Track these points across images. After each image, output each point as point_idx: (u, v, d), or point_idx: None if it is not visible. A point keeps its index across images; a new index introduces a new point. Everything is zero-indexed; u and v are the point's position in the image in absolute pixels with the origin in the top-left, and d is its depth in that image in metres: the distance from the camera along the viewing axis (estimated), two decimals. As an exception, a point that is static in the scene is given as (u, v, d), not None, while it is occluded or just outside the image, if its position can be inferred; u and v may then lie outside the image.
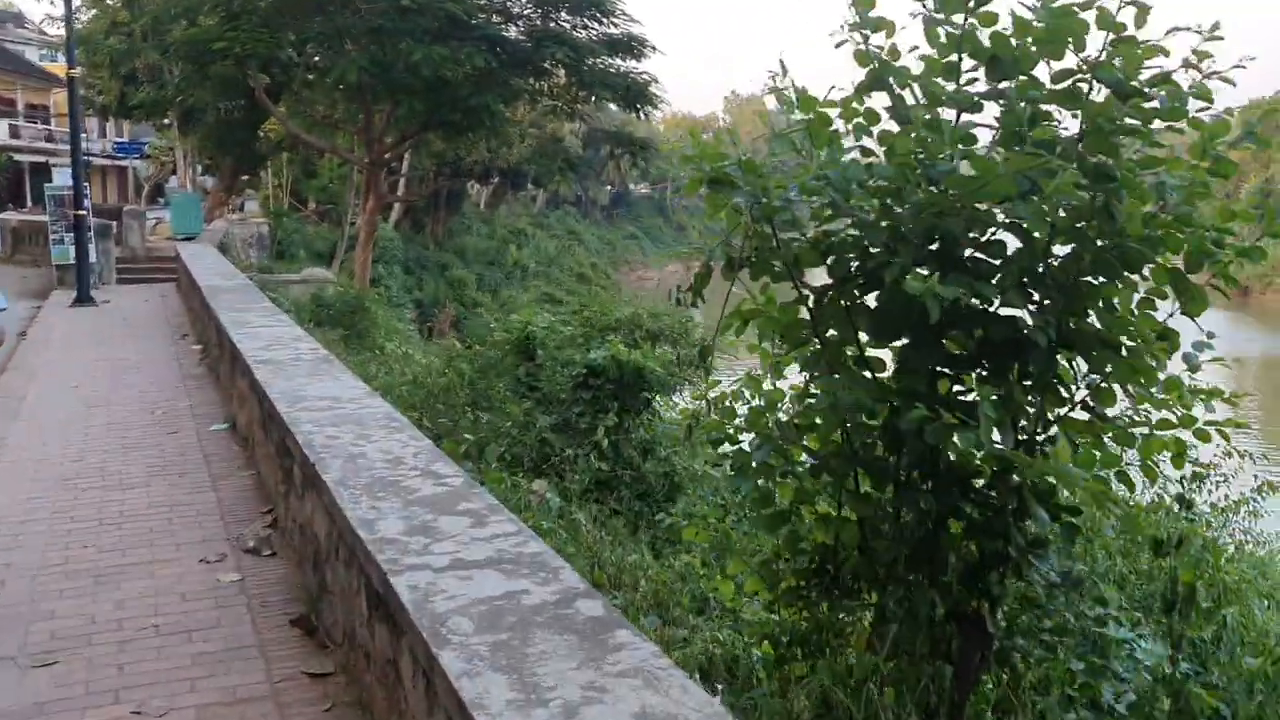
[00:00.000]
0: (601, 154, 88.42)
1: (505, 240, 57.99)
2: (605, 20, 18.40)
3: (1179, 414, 4.82)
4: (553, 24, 18.67)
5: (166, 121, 38.05)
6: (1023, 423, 4.61)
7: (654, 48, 18.38)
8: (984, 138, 4.82)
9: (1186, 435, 4.89)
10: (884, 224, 4.69)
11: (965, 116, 4.81)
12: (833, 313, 4.94)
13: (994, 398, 4.20)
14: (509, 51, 18.79)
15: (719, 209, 4.92)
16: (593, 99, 18.68)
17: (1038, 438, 4.70)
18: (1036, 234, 4.54)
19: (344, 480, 4.17)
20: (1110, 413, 4.81)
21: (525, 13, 19.11)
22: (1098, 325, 4.66)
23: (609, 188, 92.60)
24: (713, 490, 8.65)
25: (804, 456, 5.00)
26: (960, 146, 4.54)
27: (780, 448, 4.87)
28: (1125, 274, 4.61)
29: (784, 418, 4.99)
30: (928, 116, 4.74)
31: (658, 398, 8.22)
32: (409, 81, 18.64)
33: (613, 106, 21.67)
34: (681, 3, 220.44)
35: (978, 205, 4.48)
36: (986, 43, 4.70)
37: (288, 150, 34.61)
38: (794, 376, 5.25)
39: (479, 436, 7.88)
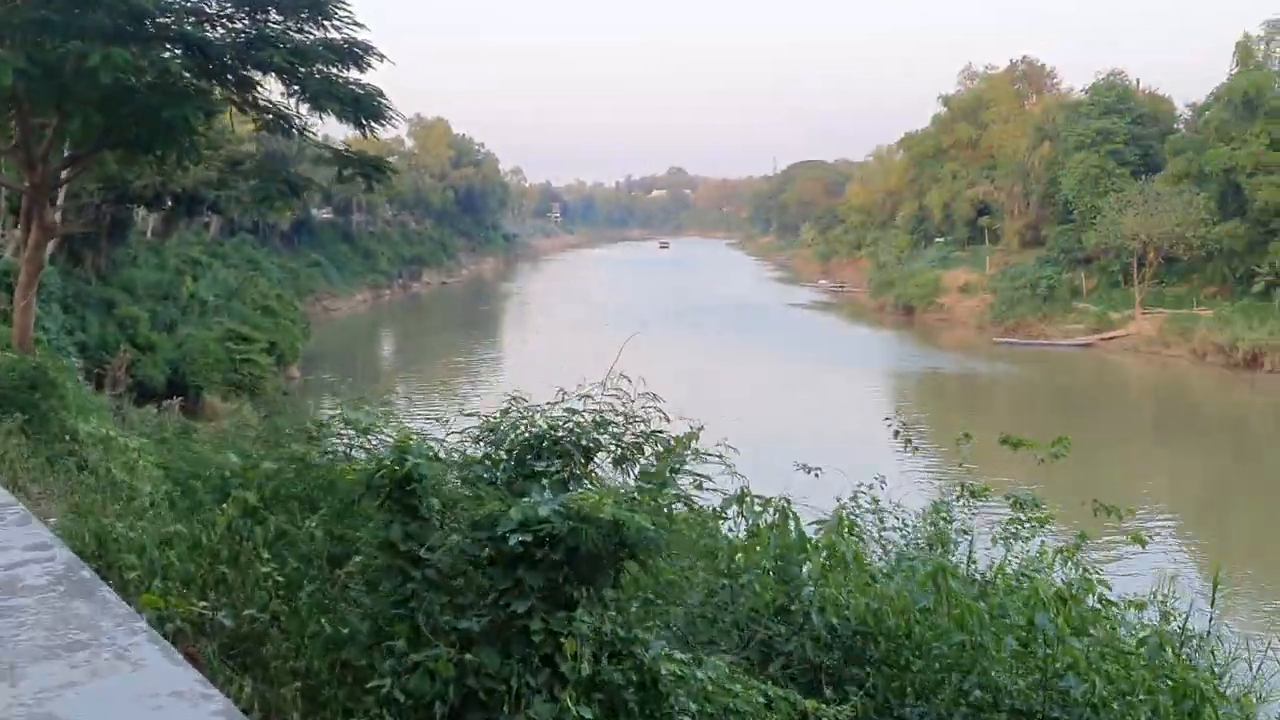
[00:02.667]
0: (248, 178, 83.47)
1: (179, 272, 52.62)
2: (325, 24, 15.86)
3: None
4: (264, 26, 15.94)
5: None
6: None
7: (382, 56, 16.06)
8: None
9: None
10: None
11: None
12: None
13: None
14: (211, 56, 15.89)
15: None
16: (318, 113, 16.15)
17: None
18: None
19: None
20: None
21: (227, 12, 16.19)
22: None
23: (289, 213, 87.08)
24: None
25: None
26: None
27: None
28: None
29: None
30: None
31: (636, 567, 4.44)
32: (82, 89, 15.43)
33: (333, 121, 19.05)
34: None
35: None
36: None
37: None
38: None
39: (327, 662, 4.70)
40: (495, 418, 6.01)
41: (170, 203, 47.51)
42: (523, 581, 4.22)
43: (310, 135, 15.97)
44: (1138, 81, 78.42)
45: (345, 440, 6.53)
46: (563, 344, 70.41)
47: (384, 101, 15.60)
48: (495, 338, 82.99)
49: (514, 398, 5.99)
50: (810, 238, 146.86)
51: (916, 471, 36.64)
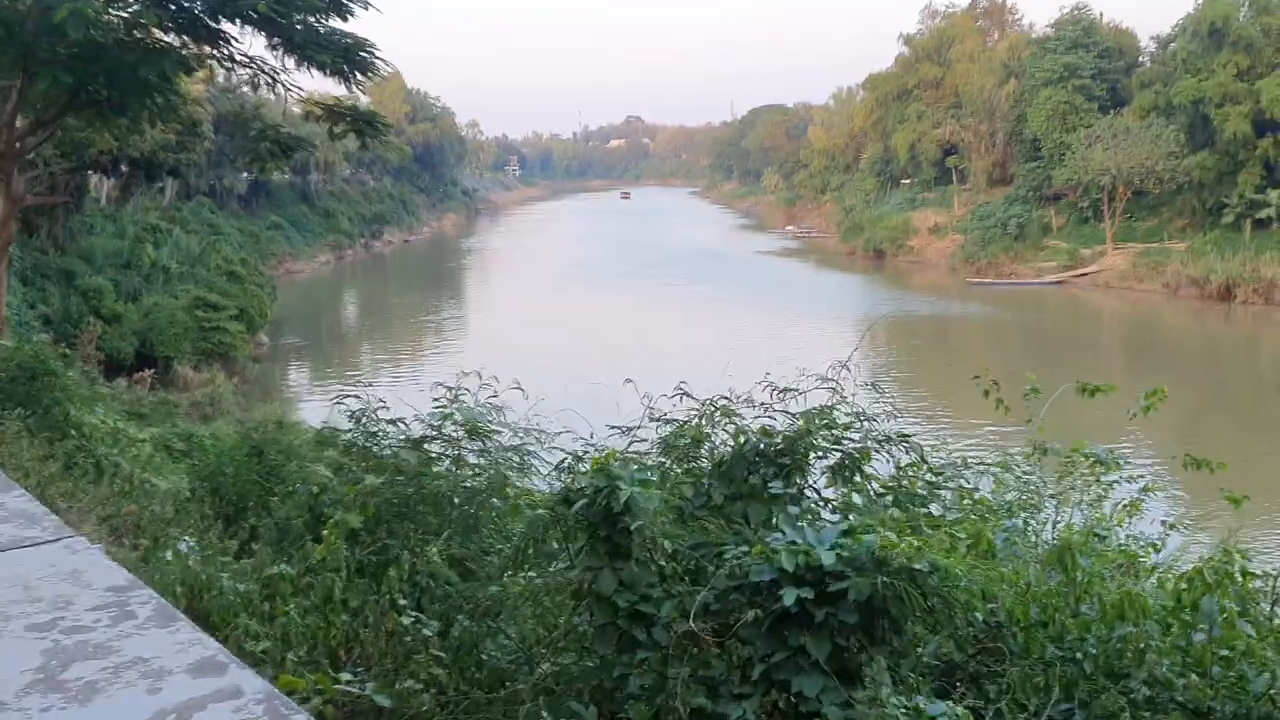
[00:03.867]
0: (238, 138, 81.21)
1: (138, 239, 50.87)
2: (305, -30, 14.81)
3: None
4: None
5: None
6: None
7: (366, 3, 14.89)
8: None
9: None
10: None
11: None
12: None
13: None
14: (183, 8, 14.79)
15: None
16: (304, 66, 15.09)
17: None
18: None
19: None
20: None
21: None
22: None
23: (246, 175, 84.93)
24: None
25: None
26: None
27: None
28: None
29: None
30: None
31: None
32: (48, 47, 14.34)
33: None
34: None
35: None
36: None
37: None
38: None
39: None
40: (688, 420, 4.98)
41: (127, 168, 45.95)
42: (803, 649, 3.18)
43: (299, 91, 14.95)
44: (1101, 15, 77.92)
45: (446, 441, 5.63)
46: (535, 303, 69.49)
47: (375, 51, 14.61)
48: (461, 297, 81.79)
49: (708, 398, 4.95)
50: (774, 183, 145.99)
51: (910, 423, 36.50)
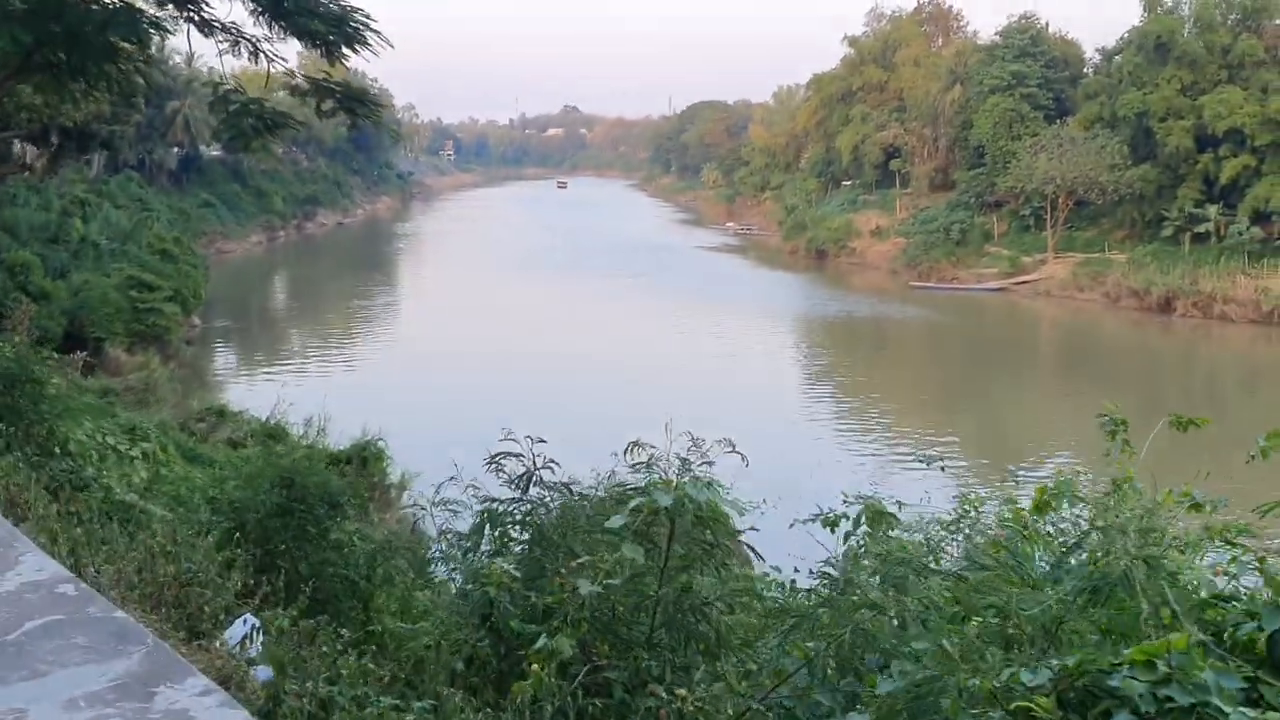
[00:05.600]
0: (168, 110, 78.14)
1: (65, 212, 48.51)
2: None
3: None
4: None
5: None
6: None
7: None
8: None
9: None
10: None
11: None
12: None
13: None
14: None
15: None
16: (288, 35, 13.78)
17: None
18: None
19: None
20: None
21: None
22: None
23: (176, 150, 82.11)
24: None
25: None
26: None
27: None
28: None
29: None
30: None
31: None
32: (2, 4, 12.97)
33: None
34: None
35: None
36: None
37: None
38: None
39: None
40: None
41: (57, 138, 43.75)
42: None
43: (283, 62, 13.72)
44: (1047, 25, 78.70)
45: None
46: (474, 292, 68.14)
47: (370, 21, 13.44)
48: (394, 283, 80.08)
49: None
50: (713, 179, 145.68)
51: (851, 436, 36.11)
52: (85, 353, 33.22)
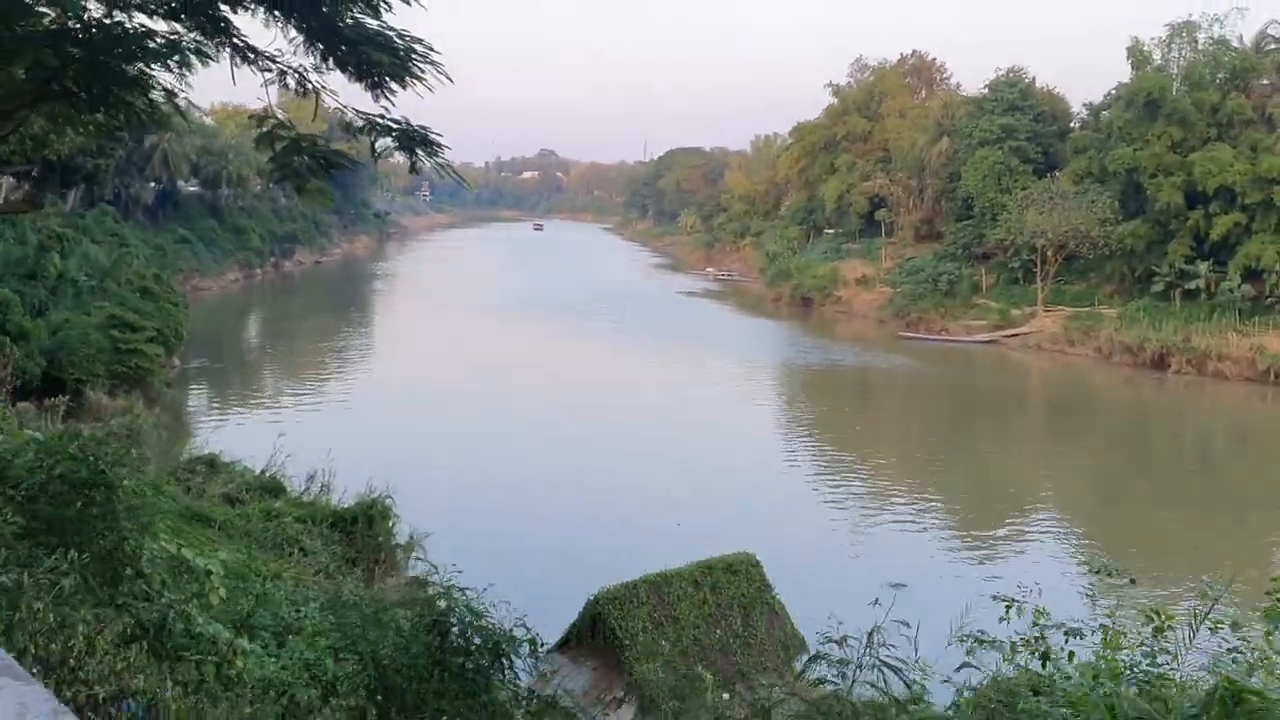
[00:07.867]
0: (146, 144, 76.50)
1: (43, 247, 46.84)
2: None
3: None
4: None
5: None
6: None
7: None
8: None
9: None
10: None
11: None
12: None
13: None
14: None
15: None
16: (347, 67, 12.60)
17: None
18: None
19: None
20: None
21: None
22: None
23: (154, 185, 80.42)
24: None
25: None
26: None
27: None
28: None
29: None
30: None
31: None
32: (23, 27, 11.74)
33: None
34: None
35: None
36: None
37: None
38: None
39: None
40: None
41: (38, 171, 42.21)
42: None
43: (332, 95, 12.53)
44: (1034, 79, 79.01)
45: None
46: (454, 337, 66.82)
47: (432, 53, 12.24)
48: (370, 325, 78.59)
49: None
50: (691, 224, 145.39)
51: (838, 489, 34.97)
52: (66, 397, 31.59)
